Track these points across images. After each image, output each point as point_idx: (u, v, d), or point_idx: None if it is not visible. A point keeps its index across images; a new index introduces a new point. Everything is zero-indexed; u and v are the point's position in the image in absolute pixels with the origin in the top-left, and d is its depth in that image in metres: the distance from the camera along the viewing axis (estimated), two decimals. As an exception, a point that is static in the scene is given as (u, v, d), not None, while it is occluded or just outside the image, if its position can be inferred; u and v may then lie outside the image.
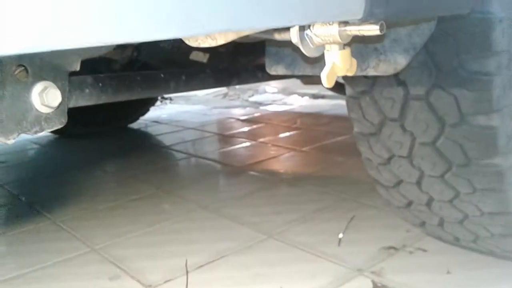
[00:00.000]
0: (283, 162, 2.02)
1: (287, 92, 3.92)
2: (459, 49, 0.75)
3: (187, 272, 1.10)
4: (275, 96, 3.95)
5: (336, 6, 0.38)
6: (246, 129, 2.75)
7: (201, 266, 1.13)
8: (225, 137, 2.62)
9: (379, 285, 1.03)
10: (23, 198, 1.71)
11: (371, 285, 1.03)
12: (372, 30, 0.44)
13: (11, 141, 0.64)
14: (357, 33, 0.44)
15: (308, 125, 2.74)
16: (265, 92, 4.08)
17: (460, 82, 0.77)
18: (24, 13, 0.29)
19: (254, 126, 2.81)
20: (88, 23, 0.30)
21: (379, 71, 0.64)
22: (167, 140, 2.59)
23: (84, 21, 0.30)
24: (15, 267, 1.18)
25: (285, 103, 3.60)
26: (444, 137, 0.83)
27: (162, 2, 0.30)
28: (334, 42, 0.44)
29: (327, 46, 0.45)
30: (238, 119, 3.07)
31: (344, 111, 1.05)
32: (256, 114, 3.20)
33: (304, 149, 2.18)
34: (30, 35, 0.30)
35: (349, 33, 0.43)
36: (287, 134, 2.55)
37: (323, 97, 3.54)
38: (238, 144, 2.40)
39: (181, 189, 1.71)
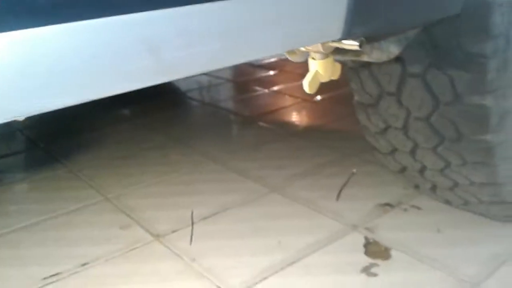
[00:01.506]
0: (294, 113, 2.05)
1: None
2: (458, 31, 0.76)
3: (192, 223, 1.18)
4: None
5: (315, 31, 0.41)
6: (259, 75, 2.76)
7: (206, 217, 1.21)
8: (238, 84, 2.65)
9: (371, 241, 1.10)
10: (41, 145, 1.80)
11: (363, 241, 1.10)
12: (352, 45, 0.46)
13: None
14: (339, 46, 0.46)
15: (320, 71, 2.73)
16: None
17: (457, 63, 0.79)
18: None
19: (267, 73, 2.81)
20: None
21: (372, 58, 0.66)
22: (180, 85, 2.62)
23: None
24: (34, 214, 1.27)
25: (299, 46, 3.56)
26: (438, 114, 0.86)
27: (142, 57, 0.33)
28: (317, 52, 0.46)
29: (311, 54, 0.47)
30: (252, 65, 3.07)
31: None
32: (270, 60, 3.19)
33: (315, 99, 2.20)
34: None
35: (331, 45, 0.46)
36: (300, 82, 2.56)
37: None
38: (250, 92, 2.42)
39: (191, 139, 1.78)
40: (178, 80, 2.71)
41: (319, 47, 0.45)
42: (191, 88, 2.55)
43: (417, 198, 1.25)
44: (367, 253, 1.07)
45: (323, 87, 2.31)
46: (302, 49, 0.47)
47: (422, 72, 0.83)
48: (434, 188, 1.06)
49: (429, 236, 1.10)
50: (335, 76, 0.49)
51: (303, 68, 2.23)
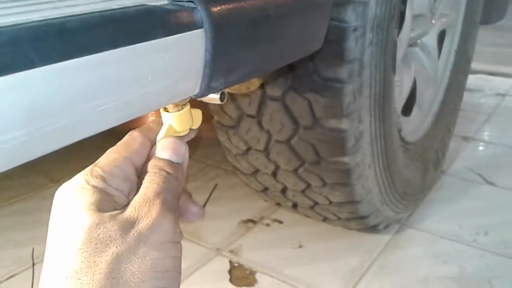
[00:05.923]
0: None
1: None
2: (314, 55, 0.74)
3: (33, 264, 1.02)
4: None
5: (171, 90, 0.33)
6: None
7: (51, 255, 1.05)
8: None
9: (236, 265, 1.06)
10: None
11: (228, 266, 1.06)
12: (213, 99, 0.40)
13: None
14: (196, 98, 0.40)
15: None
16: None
17: (314, 88, 0.77)
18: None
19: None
20: None
21: (232, 89, 0.61)
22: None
23: None
24: None
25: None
26: (298, 137, 0.84)
27: None
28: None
29: (163, 104, 0.40)
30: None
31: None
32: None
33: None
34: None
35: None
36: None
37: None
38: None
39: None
40: None
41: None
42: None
43: (278, 211, 1.24)
44: (232, 279, 1.02)
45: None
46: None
47: (282, 96, 0.80)
48: (295, 206, 1.06)
49: (292, 253, 1.10)
50: (195, 125, 0.41)
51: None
